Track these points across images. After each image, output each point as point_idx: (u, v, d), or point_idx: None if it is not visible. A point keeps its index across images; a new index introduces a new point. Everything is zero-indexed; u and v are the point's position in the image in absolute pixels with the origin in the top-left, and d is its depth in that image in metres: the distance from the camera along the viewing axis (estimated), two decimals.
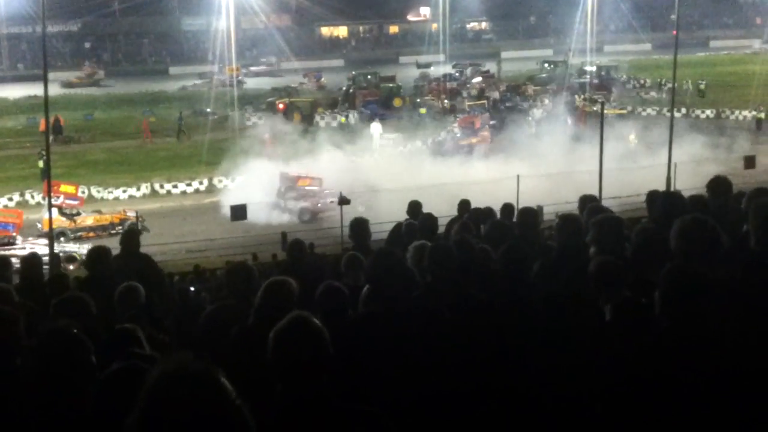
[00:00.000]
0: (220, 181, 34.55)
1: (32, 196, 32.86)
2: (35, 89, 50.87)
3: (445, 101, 50.09)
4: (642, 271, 5.47)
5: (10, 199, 32.50)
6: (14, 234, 26.31)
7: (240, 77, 60.61)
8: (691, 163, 26.11)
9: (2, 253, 21.54)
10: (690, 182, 21.13)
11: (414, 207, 10.44)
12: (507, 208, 10.49)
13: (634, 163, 26.51)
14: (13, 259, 9.42)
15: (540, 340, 4.97)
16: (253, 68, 72.22)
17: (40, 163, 36.27)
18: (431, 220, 9.30)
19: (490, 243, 7.02)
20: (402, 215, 10.48)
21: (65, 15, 78.63)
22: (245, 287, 5.97)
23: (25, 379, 3.96)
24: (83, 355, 3.80)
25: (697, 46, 75.58)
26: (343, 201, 23.79)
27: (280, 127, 41.62)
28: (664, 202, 7.53)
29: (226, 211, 25.36)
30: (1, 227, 26.36)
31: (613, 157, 25.68)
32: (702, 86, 47.10)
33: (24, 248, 23.24)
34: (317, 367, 3.45)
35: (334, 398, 3.46)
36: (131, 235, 9.37)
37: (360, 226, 8.81)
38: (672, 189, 26.22)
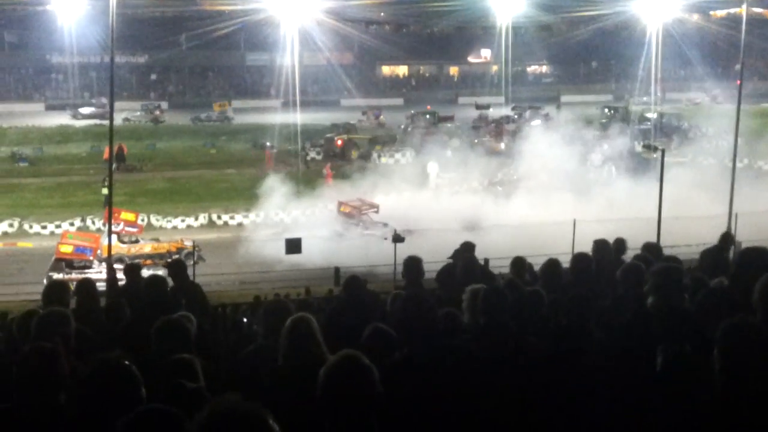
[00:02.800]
0: (277, 214, 34.83)
1: (93, 222, 33.50)
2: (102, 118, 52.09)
3: (503, 143, 49.99)
4: (701, 326, 5.36)
5: (72, 224, 33.16)
6: (91, 258, 26.82)
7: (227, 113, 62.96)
8: (752, 215, 25.57)
9: (62, 277, 21.98)
10: (750, 234, 20.70)
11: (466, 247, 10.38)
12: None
13: (692, 213, 26.05)
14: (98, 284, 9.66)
15: (591, 390, 4.89)
16: (82, 110, 70.08)
17: (104, 190, 37.06)
18: (476, 263, 9.22)
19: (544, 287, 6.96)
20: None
21: (134, 47, 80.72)
22: (281, 325, 5.66)
23: (69, 412, 3.96)
24: (130, 388, 3.78)
25: (762, 96, 74.46)
26: (397, 239, 23.74)
27: (338, 163, 41.96)
28: (741, 255, 7.33)
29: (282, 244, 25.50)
30: (78, 251, 26.85)
31: (673, 204, 25.30)
32: None
33: (100, 272, 23.59)
34: (368, 405, 3.42)
35: None
36: (179, 265, 9.52)
37: (413, 264, 8.78)
38: (733, 240, 25.74)
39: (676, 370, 4.76)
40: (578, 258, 8.30)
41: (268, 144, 49.57)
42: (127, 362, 3.89)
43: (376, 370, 3.52)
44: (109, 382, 3.75)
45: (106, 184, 37.30)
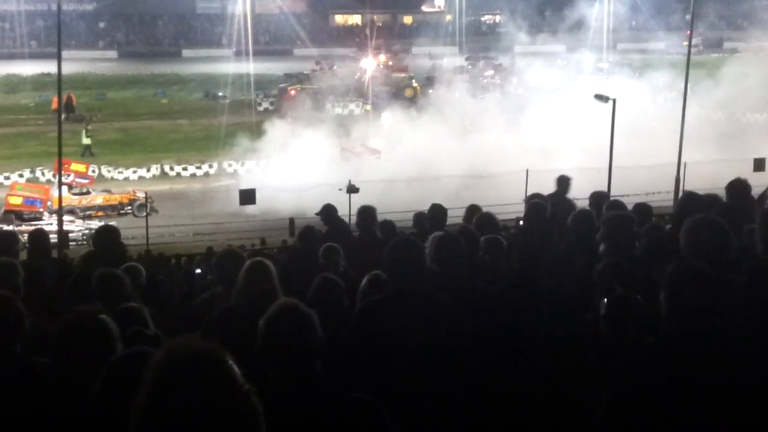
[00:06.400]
0: (230, 165, 34.59)
1: (43, 173, 32.95)
2: (48, 67, 50.89)
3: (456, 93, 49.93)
4: (651, 271, 5.46)
5: (21, 176, 32.58)
6: (41, 209, 26.43)
7: None
8: (700, 164, 26.00)
9: (11, 228, 21.64)
10: (699, 183, 21.05)
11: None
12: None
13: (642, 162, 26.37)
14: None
15: (542, 334, 4.98)
16: None
17: (86, 140, 36.65)
18: (440, 210, 9.28)
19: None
20: (413, 204, 10.47)
21: None
22: (235, 275, 5.61)
23: (33, 364, 3.91)
24: (107, 343, 3.74)
25: (711, 47, 75.06)
26: (351, 189, 23.72)
27: (292, 113, 41.56)
28: (681, 202, 7.49)
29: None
30: (28, 202, 26.43)
31: (623, 154, 25.60)
32: None
33: (51, 224, 23.29)
34: (308, 354, 3.45)
35: (326, 385, 3.47)
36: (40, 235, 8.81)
37: (367, 213, 8.80)
38: (681, 189, 26.20)
39: (617, 313, 4.86)
40: (532, 207, 8.39)
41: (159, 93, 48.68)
42: (104, 316, 3.82)
43: (316, 318, 3.55)
44: (85, 336, 3.69)
45: (89, 132, 37.08)
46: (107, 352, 3.66)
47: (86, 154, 36.43)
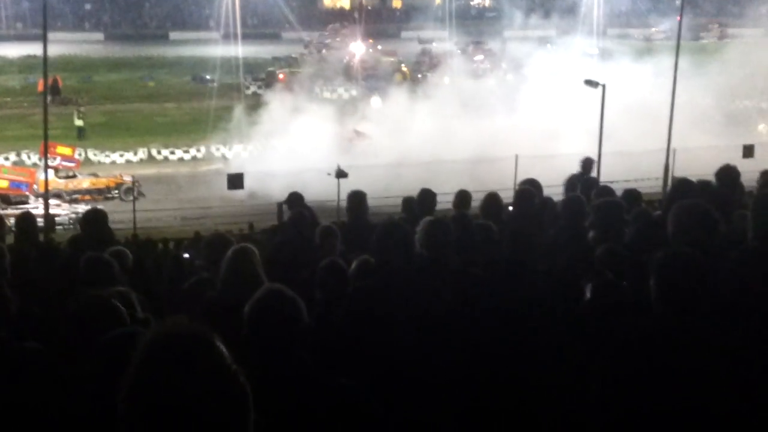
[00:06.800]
0: (218, 149, 34.48)
1: (29, 156, 32.75)
2: (34, 49, 50.53)
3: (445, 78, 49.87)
4: (640, 257, 5.45)
5: (7, 159, 32.40)
6: (27, 193, 26.29)
7: None
8: (689, 150, 26.07)
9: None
10: (688, 170, 21.07)
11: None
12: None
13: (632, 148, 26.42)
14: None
15: (531, 318, 4.98)
16: None
17: (78, 122, 36.52)
18: (430, 195, 9.25)
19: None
20: (399, 189, 10.45)
21: None
22: (221, 258, 5.59)
23: (17, 348, 3.88)
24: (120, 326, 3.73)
25: (699, 32, 75.19)
26: (340, 174, 23.67)
27: (281, 97, 41.39)
28: (673, 188, 7.50)
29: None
30: (13, 186, 26.29)
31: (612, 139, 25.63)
32: None
33: (37, 208, 23.17)
34: (294, 339, 3.44)
35: (311, 371, 3.46)
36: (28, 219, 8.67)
37: (357, 198, 8.76)
38: (671, 175, 26.28)
39: (602, 299, 4.86)
40: (520, 193, 8.37)
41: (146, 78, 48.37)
42: (115, 302, 3.85)
43: (301, 303, 3.53)
44: (97, 321, 3.70)
45: (82, 114, 36.94)
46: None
47: (82, 136, 36.41)
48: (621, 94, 29.62)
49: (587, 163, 12.01)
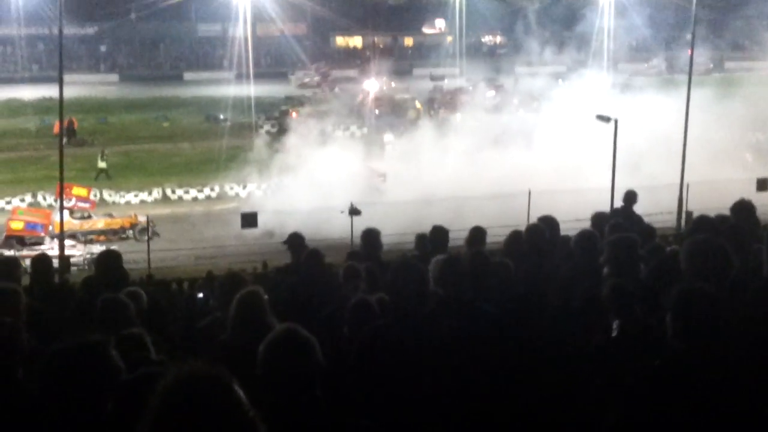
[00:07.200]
0: (231, 188, 34.63)
1: (44, 198, 32.97)
2: (50, 91, 51.13)
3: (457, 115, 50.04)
4: (656, 293, 5.42)
5: (22, 200, 32.62)
6: (43, 234, 26.40)
7: None
8: (702, 184, 26.00)
9: (13, 253, 21.62)
10: (702, 204, 21.01)
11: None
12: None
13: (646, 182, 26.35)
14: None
15: (548, 355, 4.95)
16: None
17: (102, 164, 36.87)
18: (442, 232, 9.24)
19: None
20: (414, 226, 10.42)
21: (82, 18, 78.91)
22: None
23: (28, 389, 3.85)
24: (108, 373, 3.54)
25: (711, 66, 75.32)
26: (354, 212, 23.69)
27: (294, 135, 41.59)
28: (693, 225, 7.47)
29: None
30: (29, 227, 26.41)
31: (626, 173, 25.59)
32: None
33: (52, 249, 23.25)
34: (308, 380, 3.42)
35: (326, 411, 3.43)
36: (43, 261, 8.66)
37: (371, 236, 8.75)
38: (684, 209, 26.20)
39: (631, 334, 4.83)
40: (530, 230, 8.36)
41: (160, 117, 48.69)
42: (105, 347, 3.64)
43: (316, 344, 3.51)
44: (86, 365, 3.50)
45: (105, 157, 37.30)
46: (108, 382, 3.52)
47: (100, 177, 36.71)
48: (634, 128, 29.63)
49: (630, 196, 11.98)
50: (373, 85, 55.78)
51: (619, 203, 20.98)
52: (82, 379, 3.49)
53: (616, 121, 25.07)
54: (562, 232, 8.43)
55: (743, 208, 7.62)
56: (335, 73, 75.06)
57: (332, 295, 6.97)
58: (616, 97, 44.45)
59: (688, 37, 42.33)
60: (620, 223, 8.67)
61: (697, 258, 4.99)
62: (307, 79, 69.80)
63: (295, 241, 9.26)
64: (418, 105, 53.91)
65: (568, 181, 26.75)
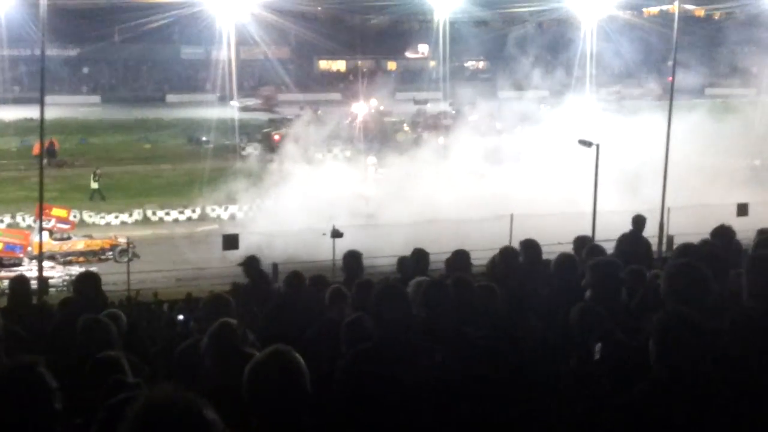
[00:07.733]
0: (213, 210, 34.51)
1: (23, 219, 32.71)
2: (31, 112, 50.94)
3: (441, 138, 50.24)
4: (637, 317, 5.42)
5: (1, 221, 32.36)
6: (21, 255, 26.20)
7: None
8: (683, 209, 26.16)
9: None
10: (682, 229, 21.14)
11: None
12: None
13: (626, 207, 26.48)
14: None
15: (530, 380, 4.93)
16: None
17: (94, 184, 36.70)
18: (423, 255, 9.23)
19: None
20: (396, 249, 10.43)
21: (65, 40, 78.74)
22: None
23: None
24: (41, 398, 3.41)
25: (692, 93, 76.13)
26: (336, 234, 23.67)
27: (276, 158, 41.58)
28: (677, 252, 7.48)
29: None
30: (8, 248, 26.20)
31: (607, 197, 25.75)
32: None
33: (30, 270, 23.07)
34: (295, 403, 3.36)
35: None
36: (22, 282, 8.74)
37: (353, 258, 8.75)
38: (665, 234, 26.32)
39: (613, 359, 4.81)
40: (503, 253, 8.38)
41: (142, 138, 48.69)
42: (41, 369, 3.51)
43: (304, 366, 3.45)
44: (16, 388, 3.40)
45: (98, 177, 37.13)
46: (41, 408, 3.41)
47: (95, 197, 36.57)
48: (615, 153, 29.80)
49: (639, 221, 11.88)
50: (361, 107, 55.94)
51: (602, 228, 21.14)
52: (12, 402, 3.38)
53: (597, 146, 25.20)
54: (545, 256, 8.43)
55: (723, 233, 7.66)
56: (318, 96, 75.21)
57: (315, 317, 6.94)
58: (601, 121, 44.84)
59: (669, 63, 42.85)
60: (597, 246, 8.70)
61: (676, 281, 5.01)
62: (250, 103, 69.68)
63: (251, 264, 9.36)
64: (406, 128, 54.14)
65: (553, 205, 26.85)
